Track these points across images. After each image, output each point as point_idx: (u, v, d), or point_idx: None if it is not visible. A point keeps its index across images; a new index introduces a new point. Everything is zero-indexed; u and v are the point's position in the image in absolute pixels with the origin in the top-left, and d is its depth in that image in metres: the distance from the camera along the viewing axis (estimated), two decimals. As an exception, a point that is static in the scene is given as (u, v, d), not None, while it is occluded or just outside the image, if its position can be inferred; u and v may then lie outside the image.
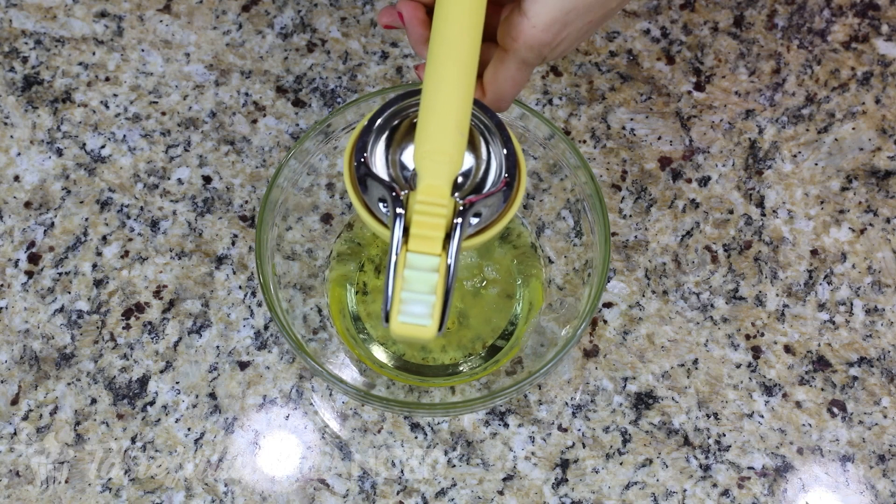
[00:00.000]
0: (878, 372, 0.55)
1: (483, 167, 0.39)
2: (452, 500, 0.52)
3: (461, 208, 0.36)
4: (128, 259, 0.57)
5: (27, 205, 0.59)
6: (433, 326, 0.34)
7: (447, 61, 0.36)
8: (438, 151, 0.35)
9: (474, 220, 0.38)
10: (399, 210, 0.36)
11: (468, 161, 0.39)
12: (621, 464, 0.53)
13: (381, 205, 0.37)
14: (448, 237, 0.36)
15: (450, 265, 0.35)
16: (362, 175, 0.37)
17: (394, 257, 0.35)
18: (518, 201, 0.40)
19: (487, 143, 0.39)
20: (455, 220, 0.36)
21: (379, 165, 0.38)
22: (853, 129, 0.61)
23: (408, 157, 0.39)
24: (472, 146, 0.39)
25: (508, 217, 0.40)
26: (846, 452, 0.53)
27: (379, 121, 0.39)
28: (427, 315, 0.34)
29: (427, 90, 0.36)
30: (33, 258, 0.58)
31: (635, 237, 0.58)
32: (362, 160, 0.38)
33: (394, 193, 0.36)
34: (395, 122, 0.39)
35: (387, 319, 0.35)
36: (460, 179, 0.38)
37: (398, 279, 0.35)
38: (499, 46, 0.41)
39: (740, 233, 0.58)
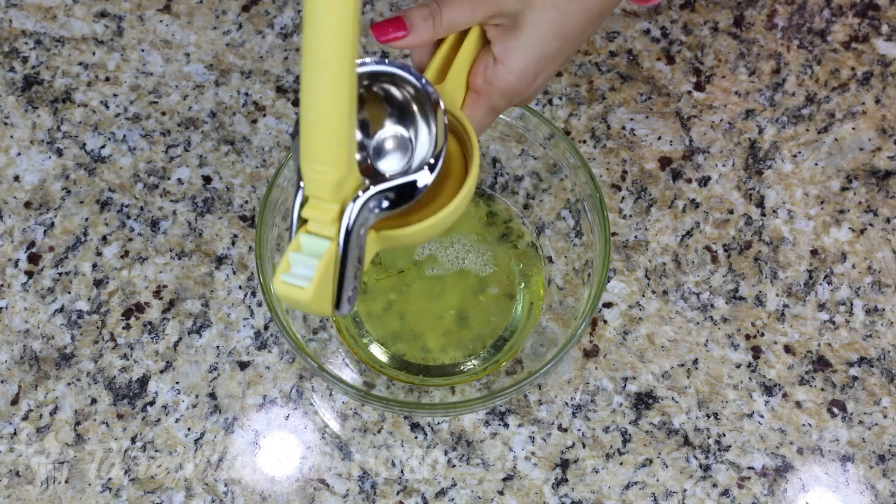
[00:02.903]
0: (878, 372, 0.55)
1: (416, 147, 0.40)
2: (452, 500, 0.52)
3: (359, 193, 0.37)
4: (128, 259, 0.57)
5: (27, 205, 0.59)
6: (309, 291, 0.35)
7: (323, 73, 0.34)
8: (318, 162, 0.36)
9: (385, 203, 0.38)
10: (300, 199, 0.38)
11: (393, 132, 0.40)
12: (621, 464, 0.53)
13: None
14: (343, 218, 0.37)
15: (339, 244, 0.37)
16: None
17: (293, 234, 0.38)
18: (464, 192, 0.40)
19: (427, 125, 0.40)
20: (350, 205, 0.37)
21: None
22: (853, 129, 0.60)
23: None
24: (403, 122, 0.40)
25: (455, 204, 0.40)
26: (846, 452, 0.53)
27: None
28: (307, 279, 0.36)
29: (305, 102, 0.35)
30: (33, 258, 0.58)
31: (635, 237, 0.58)
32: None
33: (300, 183, 0.37)
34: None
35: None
36: (375, 152, 0.40)
37: (291, 245, 0.37)
38: (469, 90, 0.43)
39: (740, 233, 0.58)
